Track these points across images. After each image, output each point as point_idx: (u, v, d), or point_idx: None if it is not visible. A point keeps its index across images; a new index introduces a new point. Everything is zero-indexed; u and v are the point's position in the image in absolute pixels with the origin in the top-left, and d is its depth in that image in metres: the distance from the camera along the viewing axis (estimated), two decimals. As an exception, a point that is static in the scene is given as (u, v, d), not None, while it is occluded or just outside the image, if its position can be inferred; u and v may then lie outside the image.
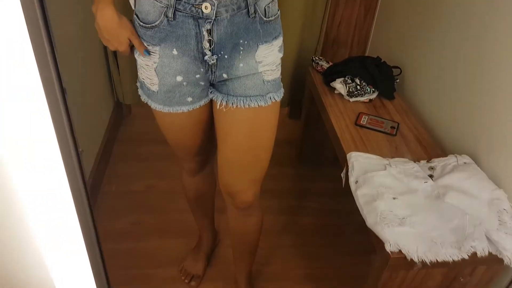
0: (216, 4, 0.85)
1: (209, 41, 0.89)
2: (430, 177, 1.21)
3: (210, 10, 0.85)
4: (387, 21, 1.96)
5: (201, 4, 0.84)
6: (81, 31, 1.71)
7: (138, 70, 1.01)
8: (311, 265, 1.62)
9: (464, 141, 1.35)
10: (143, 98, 1.04)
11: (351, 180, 1.21)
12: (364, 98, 1.59)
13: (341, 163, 1.36)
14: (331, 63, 1.78)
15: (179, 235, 1.69)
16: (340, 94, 1.62)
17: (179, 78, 0.95)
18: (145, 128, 2.25)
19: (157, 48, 0.91)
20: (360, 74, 1.62)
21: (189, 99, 1.00)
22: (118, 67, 2.09)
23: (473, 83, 1.32)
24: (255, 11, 0.89)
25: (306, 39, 2.05)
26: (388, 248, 1.02)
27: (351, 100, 1.59)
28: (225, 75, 0.96)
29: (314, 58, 1.82)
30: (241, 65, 0.94)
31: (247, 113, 0.99)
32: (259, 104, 0.98)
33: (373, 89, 1.61)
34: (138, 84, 1.05)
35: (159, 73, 0.95)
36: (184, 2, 0.84)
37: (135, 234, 1.69)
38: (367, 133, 1.43)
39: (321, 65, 1.78)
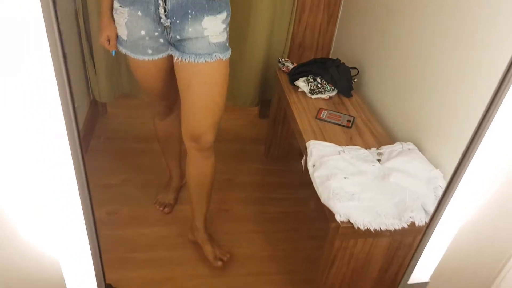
0: None
1: (164, 8, 1.20)
2: (378, 161, 1.38)
3: None
4: (348, 26, 2.15)
5: None
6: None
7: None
8: (275, 248, 1.76)
9: (410, 131, 1.53)
10: (119, 48, 1.35)
11: (309, 165, 1.37)
12: (325, 96, 1.76)
13: (302, 151, 1.52)
14: (295, 64, 1.95)
15: (155, 224, 1.79)
16: (303, 92, 1.78)
17: (142, 32, 1.27)
18: (121, 127, 2.34)
19: (126, 9, 1.24)
20: (321, 74, 1.78)
21: (149, 51, 1.31)
22: (94, 65, 2.17)
23: (420, 81, 1.50)
24: None
25: (275, 43, 2.22)
26: (338, 218, 1.17)
27: (312, 97, 1.76)
28: (178, 36, 1.25)
29: (280, 60, 1.98)
30: (190, 29, 1.23)
31: (200, 67, 1.28)
32: (206, 60, 1.27)
33: (333, 88, 1.78)
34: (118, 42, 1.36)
35: (128, 27, 1.27)
36: None
37: (111, 223, 1.78)
38: (326, 125, 1.60)
39: (287, 66, 1.94)
